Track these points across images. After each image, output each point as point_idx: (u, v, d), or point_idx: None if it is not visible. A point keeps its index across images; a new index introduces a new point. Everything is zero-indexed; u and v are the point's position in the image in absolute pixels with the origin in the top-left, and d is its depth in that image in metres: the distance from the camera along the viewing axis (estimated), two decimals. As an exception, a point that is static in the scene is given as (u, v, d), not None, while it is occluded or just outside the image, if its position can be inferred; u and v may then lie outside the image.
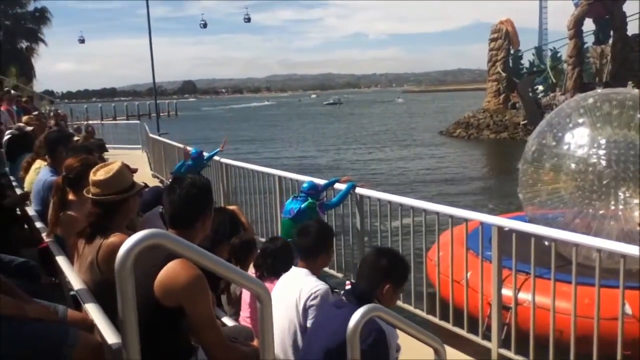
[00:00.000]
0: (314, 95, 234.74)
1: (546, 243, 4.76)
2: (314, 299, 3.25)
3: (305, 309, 3.25)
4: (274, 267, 3.99)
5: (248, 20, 60.09)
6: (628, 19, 38.71)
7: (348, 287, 3.21)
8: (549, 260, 4.51)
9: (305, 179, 7.10)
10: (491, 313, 4.92)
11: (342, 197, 6.10)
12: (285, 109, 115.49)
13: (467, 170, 24.78)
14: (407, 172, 24.71)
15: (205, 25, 58.84)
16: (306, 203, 5.70)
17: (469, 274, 5.38)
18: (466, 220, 5.27)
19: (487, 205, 15.50)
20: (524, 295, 5.12)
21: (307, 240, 3.49)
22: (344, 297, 2.91)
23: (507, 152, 27.78)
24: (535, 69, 42.21)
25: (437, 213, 5.48)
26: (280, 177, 7.54)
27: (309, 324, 3.21)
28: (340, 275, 6.51)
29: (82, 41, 58.92)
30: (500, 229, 4.76)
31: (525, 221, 7.02)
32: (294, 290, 3.31)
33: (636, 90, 7.93)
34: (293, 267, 3.55)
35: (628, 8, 38.83)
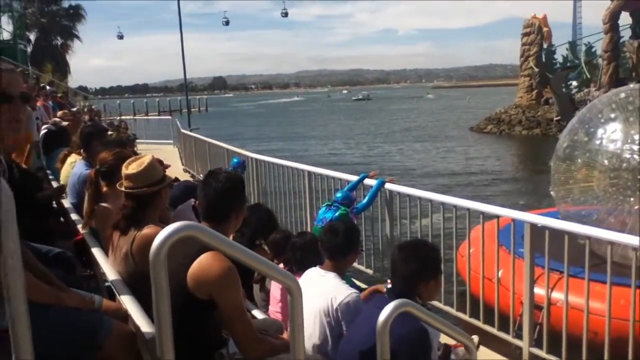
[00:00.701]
0: (345, 91, 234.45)
1: (580, 241, 4.67)
2: (347, 306, 3.24)
3: (339, 317, 3.25)
4: (302, 261, 4.00)
5: (285, 15, 60.48)
6: (668, 13, 37.68)
7: (389, 286, 3.19)
8: (583, 259, 4.42)
9: (335, 174, 7.11)
10: (523, 312, 4.85)
11: (372, 196, 6.07)
12: (314, 105, 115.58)
13: (498, 166, 24.44)
14: (437, 168, 24.51)
15: (227, 23, 59.42)
16: (339, 212, 5.70)
17: (500, 271, 5.31)
18: (497, 216, 5.20)
19: (518, 202, 15.27)
20: (557, 295, 5.02)
21: (335, 239, 3.50)
22: (386, 296, 2.90)
23: (540, 149, 27.30)
24: (569, 64, 41.39)
25: (468, 209, 5.42)
26: (309, 173, 7.56)
27: (344, 330, 3.20)
28: (370, 271, 6.50)
29: (120, 37, 60.23)
30: (533, 225, 4.68)
31: (558, 218, 6.92)
32: (326, 296, 3.30)
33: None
34: (318, 268, 3.55)
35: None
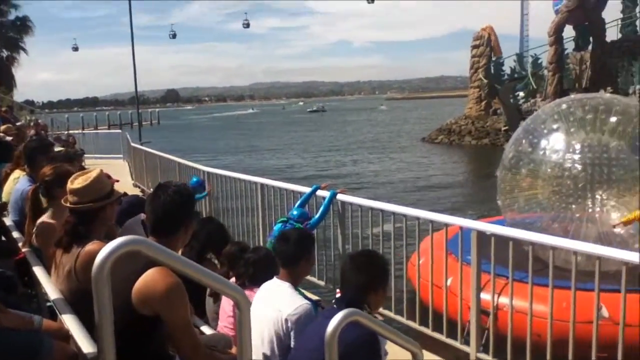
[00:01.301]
0: (300, 103, 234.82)
1: (525, 247, 4.83)
2: (297, 317, 3.24)
3: (289, 328, 3.25)
4: (256, 277, 3.98)
5: (247, 26, 60.43)
6: (607, 26, 39.55)
7: (338, 295, 3.22)
8: (535, 265, 4.58)
9: (288, 186, 7.13)
10: (470, 318, 4.97)
11: (325, 209, 6.10)
12: (269, 117, 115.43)
13: (448, 176, 25.01)
14: (390, 178, 24.85)
15: (174, 36, 59.00)
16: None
17: (449, 279, 5.43)
18: (446, 225, 5.33)
19: (467, 211, 15.65)
20: (504, 300, 5.17)
21: (287, 246, 3.50)
22: (335, 306, 2.92)
23: (488, 158, 28.06)
24: (516, 75, 42.74)
25: (418, 218, 5.53)
26: (262, 185, 7.55)
27: (292, 342, 3.21)
28: (322, 283, 6.53)
29: (75, 49, 58.94)
30: (479, 233, 4.81)
31: (505, 226, 7.13)
32: (276, 307, 3.29)
33: (608, 95, 8.08)
34: (275, 278, 3.55)
35: (607, 15, 39.75)
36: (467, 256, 5.05)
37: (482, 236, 4.79)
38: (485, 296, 5.07)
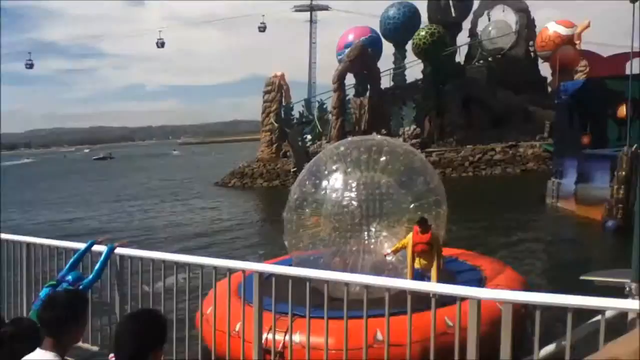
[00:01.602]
0: (86, 150, 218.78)
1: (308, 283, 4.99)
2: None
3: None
4: (16, 354, 3.44)
5: (31, 66, 54.94)
6: (382, 75, 44.49)
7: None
8: (319, 299, 4.71)
9: (60, 244, 6.47)
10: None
11: (101, 266, 5.58)
12: (48, 167, 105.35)
13: (241, 218, 25.37)
14: (182, 225, 24.27)
15: None
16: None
17: (238, 323, 5.36)
18: (229, 269, 5.29)
19: (258, 252, 15.94)
20: (291, 336, 5.24)
21: (54, 311, 3.10)
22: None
23: (279, 199, 28.95)
24: (304, 119, 45.44)
25: (201, 266, 5.40)
26: (29, 244, 6.72)
27: None
28: (96, 348, 5.96)
29: None
30: (260, 274, 4.87)
31: (291, 264, 7.36)
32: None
33: (379, 137, 8.96)
34: (38, 350, 3.11)
35: (381, 64, 44.76)
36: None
37: (263, 277, 4.85)
38: (277, 335, 5.12)
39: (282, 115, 43.99)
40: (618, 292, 4.31)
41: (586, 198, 19.28)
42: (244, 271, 5.08)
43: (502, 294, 4.06)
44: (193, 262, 5.44)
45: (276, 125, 42.49)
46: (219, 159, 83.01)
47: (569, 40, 40.19)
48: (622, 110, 19.55)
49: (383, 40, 46.40)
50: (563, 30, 41.57)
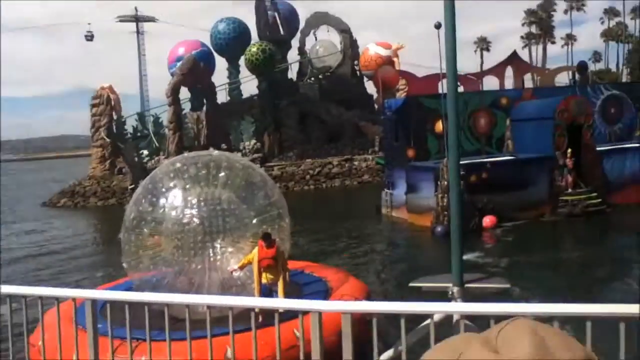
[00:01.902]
0: None
1: (153, 306, 4.75)
2: None
3: None
4: None
5: None
6: (217, 89, 44.23)
7: None
8: (154, 322, 4.48)
9: None
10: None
11: None
12: None
13: (74, 240, 23.51)
14: (8, 251, 21.81)
15: None
16: None
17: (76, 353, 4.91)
18: (57, 298, 4.83)
19: (95, 276, 14.86)
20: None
21: None
22: None
23: (116, 219, 27.37)
24: (139, 134, 43.50)
25: (24, 296, 4.85)
26: None
27: None
28: None
29: None
30: (93, 301, 4.53)
31: (131, 287, 6.95)
32: None
33: (217, 152, 8.84)
34: None
35: (216, 79, 44.46)
36: (99, 325, 4.70)
37: (96, 306, 4.53)
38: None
39: (114, 130, 41.71)
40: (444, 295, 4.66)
41: (416, 207, 20.89)
42: (74, 299, 4.66)
43: (341, 305, 4.19)
44: (15, 292, 4.87)
45: (108, 140, 40.16)
46: (48, 177, 76.06)
47: (389, 61, 43.50)
48: (439, 126, 21.56)
49: (215, 54, 46.38)
50: (383, 51, 44.98)
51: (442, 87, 21.42)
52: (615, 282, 12.62)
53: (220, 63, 47.44)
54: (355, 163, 38.65)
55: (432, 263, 14.85)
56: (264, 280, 7.75)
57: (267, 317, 4.41)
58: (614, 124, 24.90)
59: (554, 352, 0.85)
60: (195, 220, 7.65)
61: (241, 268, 7.76)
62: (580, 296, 11.63)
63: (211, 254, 7.84)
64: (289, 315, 5.06)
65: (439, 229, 17.83)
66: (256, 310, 5.33)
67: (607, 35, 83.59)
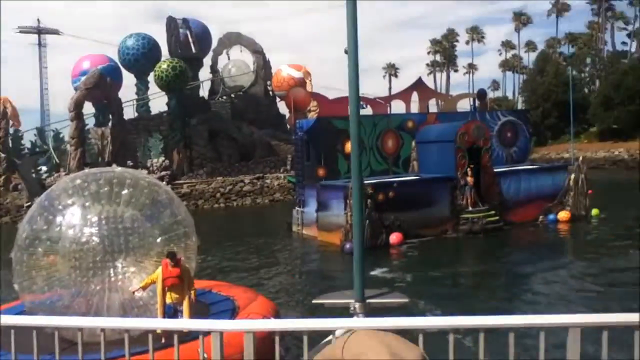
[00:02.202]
0: None
1: (47, 330, 4.46)
2: None
3: None
4: None
5: None
6: (124, 105, 42.78)
7: None
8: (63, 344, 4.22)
9: None
10: None
11: None
12: None
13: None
14: None
15: None
16: None
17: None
18: None
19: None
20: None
21: None
22: None
23: (9, 238, 25.61)
24: (37, 149, 41.14)
25: None
26: None
27: None
28: None
29: None
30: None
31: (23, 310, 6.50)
32: None
33: (120, 168, 8.53)
34: None
35: (124, 95, 43.03)
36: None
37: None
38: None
39: (10, 144, 39.20)
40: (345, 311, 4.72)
41: (326, 225, 21.16)
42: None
43: (243, 324, 4.15)
44: None
45: (3, 155, 37.65)
46: None
47: (301, 82, 44.14)
48: (349, 146, 22.02)
49: (123, 70, 45.03)
50: (295, 73, 45.59)
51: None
52: (509, 294, 13.38)
53: (129, 78, 46.15)
54: (267, 181, 38.61)
55: (341, 279, 15.05)
56: (169, 300, 7.53)
57: (171, 337, 4.27)
58: (510, 147, 26.59)
59: (403, 354, 0.89)
60: (95, 239, 7.31)
61: (144, 288, 7.49)
62: (476, 306, 12.25)
63: (112, 274, 7.51)
64: (194, 335, 4.94)
65: (347, 246, 18.13)
66: (158, 331, 5.20)
67: (505, 65, 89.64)
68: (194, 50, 46.20)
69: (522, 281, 14.42)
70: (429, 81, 65.94)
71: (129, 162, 36.69)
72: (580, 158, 24.73)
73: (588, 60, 71.76)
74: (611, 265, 15.49)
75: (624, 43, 74.23)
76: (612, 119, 55.71)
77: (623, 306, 11.26)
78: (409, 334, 2.52)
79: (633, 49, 70.83)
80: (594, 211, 22.87)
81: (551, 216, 22.58)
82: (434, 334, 2.89)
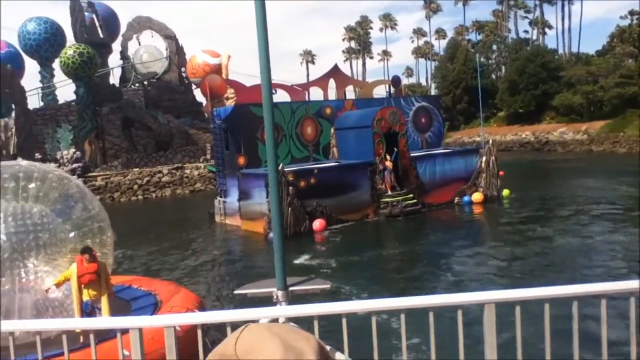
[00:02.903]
0: None
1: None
2: None
3: None
4: None
5: None
6: (28, 94, 40.26)
7: None
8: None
9: None
10: None
11: None
12: None
13: None
14: None
15: None
16: None
17: None
18: None
19: None
20: None
21: None
22: None
23: None
24: None
25: None
26: None
27: None
28: None
29: None
30: None
31: None
32: None
33: (26, 162, 8.02)
34: None
35: (27, 83, 40.46)
36: None
37: None
38: None
39: None
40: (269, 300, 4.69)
41: (249, 213, 21.00)
42: None
43: (163, 319, 4.03)
44: None
45: None
46: None
47: (217, 69, 43.25)
48: (268, 133, 21.86)
49: (25, 56, 42.37)
50: (211, 60, 44.57)
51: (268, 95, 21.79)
52: (428, 274, 13.88)
53: (32, 66, 43.48)
54: (187, 171, 37.75)
55: (267, 268, 15.01)
56: (86, 297, 7.19)
57: (89, 337, 4.07)
58: (425, 132, 27.47)
59: (296, 346, 0.88)
60: (2, 237, 6.84)
61: (57, 286, 7.10)
62: (399, 288, 12.62)
63: (22, 274, 7.07)
64: (114, 333, 4.74)
65: (271, 234, 18.06)
66: (77, 330, 4.96)
67: (417, 53, 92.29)
68: (101, 35, 44.18)
69: (441, 262, 14.99)
70: (345, 68, 66.82)
71: (37, 155, 34.69)
72: (490, 141, 25.94)
73: (494, 47, 75.24)
74: (522, 242, 16.42)
75: (525, 31, 78.52)
76: (517, 103, 58.80)
77: (536, 280, 11.99)
78: (334, 319, 2.55)
79: (534, 37, 74.99)
80: (505, 192, 24.12)
81: (466, 198, 23.59)
82: (360, 317, 2.92)
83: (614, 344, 3.08)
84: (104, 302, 7.28)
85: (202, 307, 8.26)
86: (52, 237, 7.12)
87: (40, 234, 7.03)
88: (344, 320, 2.59)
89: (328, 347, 1.14)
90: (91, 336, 3.69)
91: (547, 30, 75.03)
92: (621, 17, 71.89)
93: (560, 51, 69.40)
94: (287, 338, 0.88)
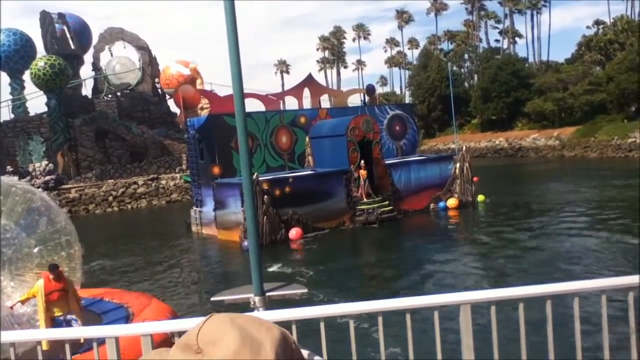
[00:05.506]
0: None
1: None
2: None
3: None
4: None
5: None
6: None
7: None
8: None
9: None
10: None
11: None
12: None
13: None
14: None
15: None
16: None
17: None
18: None
19: None
20: None
21: None
22: None
23: None
24: None
25: None
26: None
27: None
28: None
29: None
30: None
31: None
32: None
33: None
34: None
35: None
36: None
37: None
38: None
39: None
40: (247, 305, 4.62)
41: (224, 223, 20.81)
42: None
43: (140, 328, 3.93)
44: None
45: None
46: None
47: (192, 80, 42.93)
48: (243, 143, 21.77)
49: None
50: (184, 70, 44.25)
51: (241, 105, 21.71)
52: (405, 280, 13.88)
53: (2, 77, 42.65)
54: (163, 182, 37.32)
55: (242, 276, 14.86)
56: (58, 313, 6.98)
57: (74, 347, 3.94)
58: (400, 139, 27.61)
59: (256, 336, 0.88)
60: None
61: (23, 302, 6.89)
62: (375, 294, 12.58)
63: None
64: (89, 346, 4.61)
65: (246, 243, 17.94)
66: (44, 347, 4.78)
67: (390, 62, 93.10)
68: (72, 46, 43.59)
69: (418, 267, 15.00)
70: (320, 77, 66.99)
71: (9, 168, 33.99)
72: (464, 148, 26.15)
73: (466, 56, 76.22)
74: (497, 245, 16.54)
75: (496, 40, 79.75)
76: (490, 110, 59.63)
77: (515, 281, 12.08)
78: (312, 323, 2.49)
79: (505, 46, 76.23)
80: (480, 197, 24.34)
81: (441, 203, 23.74)
82: (337, 321, 2.86)
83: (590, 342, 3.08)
84: (78, 317, 7.10)
85: (175, 318, 8.10)
86: (17, 252, 6.92)
87: (5, 249, 6.82)
88: (322, 324, 2.55)
89: (306, 352, 1.12)
90: (66, 346, 3.55)
91: (517, 39, 76.34)
92: (587, 27, 73.67)
93: (531, 59, 70.78)
94: (248, 329, 0.88)
